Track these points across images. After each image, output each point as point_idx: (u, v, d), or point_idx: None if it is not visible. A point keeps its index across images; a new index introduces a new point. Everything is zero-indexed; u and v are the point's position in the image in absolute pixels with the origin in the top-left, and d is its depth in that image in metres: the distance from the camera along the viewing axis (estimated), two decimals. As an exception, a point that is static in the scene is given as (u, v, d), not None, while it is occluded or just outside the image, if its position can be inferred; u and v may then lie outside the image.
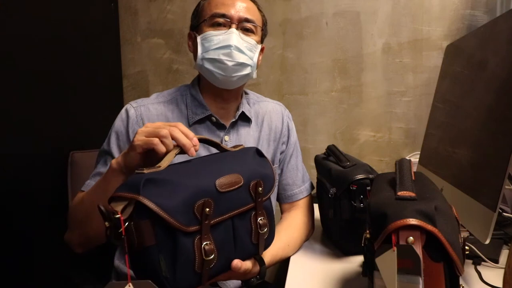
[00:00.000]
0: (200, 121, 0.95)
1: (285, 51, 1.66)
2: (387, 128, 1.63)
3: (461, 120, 0.95)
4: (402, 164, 0.67)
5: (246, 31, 0.92)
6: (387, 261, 0.52)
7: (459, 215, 0.63)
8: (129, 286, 0.53)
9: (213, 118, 0.95)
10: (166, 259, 0.55)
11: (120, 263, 0.95)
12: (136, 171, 0.58)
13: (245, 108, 1.00)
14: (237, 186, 0.66)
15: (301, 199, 1.06)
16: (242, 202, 0.67)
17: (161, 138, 0.65)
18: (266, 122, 1.04)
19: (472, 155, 0.84)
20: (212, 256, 0.60)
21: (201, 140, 0.72)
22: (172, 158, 0.64)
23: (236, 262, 0.67)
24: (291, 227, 0.99)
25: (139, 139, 0.66)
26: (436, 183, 0.71)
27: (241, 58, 0.89)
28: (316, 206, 1.10)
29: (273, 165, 1.03)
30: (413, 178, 0.65)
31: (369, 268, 0.63)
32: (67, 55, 1.33)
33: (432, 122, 1.21)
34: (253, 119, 1.02)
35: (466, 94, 0.95)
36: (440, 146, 1.07)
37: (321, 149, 1.13)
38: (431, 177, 0.89)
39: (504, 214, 1.00)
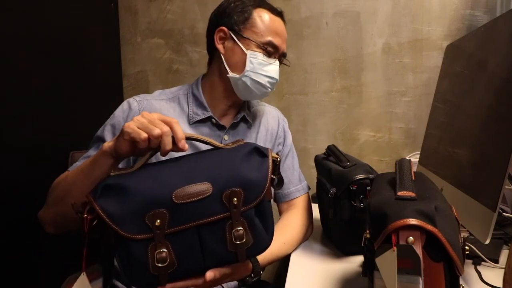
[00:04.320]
0: (201, 121, 0.96)
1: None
2: (387, 128, 1.63)
3: (461, 120, 0.95)
4: (402, 164, 0.67)
5: (280, 62, 0.99)
6: (387, 261, 0.52)
7: (459, 215, 0.63)
8: (83, 274, 0.61)
9: (213, 120, 0.96)
10: (120, 260, 0.62)
11: (120, 263, 0.95)
12: (111, 172, 0.65)
13: (245, 111, 1.02)
14: (201, 196, 0.63)
15: (298, 197, 1.06)
16: (210, 212, 0.65)
17: (150, 136, 0.64)
18: (263, 124, 1.06)
19: (472, 155, 0.84)
20: (166, 264, 0.62)
21: (193, 139, 0.71)
22: (146, 159, 0.67)
23: (209, 274, 0.66)
24: (287, 226, 0.99)
25: (131, 126, 0.65)
26: (436, 183, 0.71)
27: (275, 87, 0.98)
28: (316, 206, 1.10)
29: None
30: (413, 178, 0.65)
31: (369, 268, 0.63)
32: (67, 55, 1.33)
33: (432, 122, 1.21)
34: (251, 121, 1.04)
35: (466, 94, 0.95)
36: (440, 146, 1.07)
37: (321, 149, 1.13)
38: (431, 177, 0.89)
39: (504, 214, 1.00)
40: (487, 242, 0.69)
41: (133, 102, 0.93)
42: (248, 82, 0.92)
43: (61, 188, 0.79)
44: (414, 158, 1.49)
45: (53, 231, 0.82)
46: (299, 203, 1.06)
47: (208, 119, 0.96)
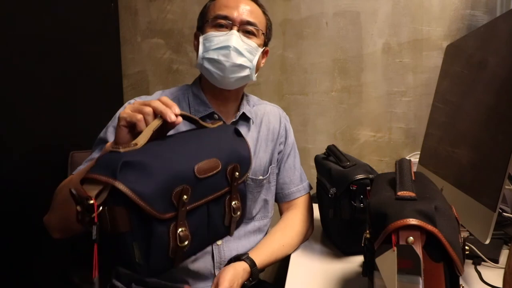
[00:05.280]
0: (201, 119, 0.95)
1: (285, 51, 1.66)
2: (387, 128, 1.63)
3: (461, 120, 0.95)
4: (402, 164, 0.67)
5: (248, 33, 0.92)
6: (387, 261, 0.52)
7: (459, 215, 0.63)
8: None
9: (215, 116, 0.96)
10: (140, 246, 0.54)
11: (120, 263, 0.95)
12: (111, 148, 0.55)
13: (245, 109, 1.01)
14: (215, 171, 0.64)
15: (299, 197, 1.06)
16: (218, 187, 0.66)
17: (144, 115, 0.64)
18: (264, 123, 1.05)
19: (472, 155, 0.84)
20: (186, 242, 0.59)
21: (182, 115, 0.68)
22: (149, 134, 0.61)
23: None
24: (287, 227, 0.99)
25: (125, 112, 0.66)
26: (436, 183, 0.71)
27: (239, 60, 0.89)
28: (316, 206, 1.10)
29: (271, 164, 1.03)
30: (413, 178, 0.65)
31: (369, 268, 0.63)
32: (67, 55, 1.33)
33: (432, 122, 1.21)
34: (253, 120, 1.03)
35: (466, 94, 0.95)
36: (440, 146, 1.07)
37: (321, 149, 1.13)
38: (431, 177, 0.89)
39: (504, 214, 1.00)
40: (487, 242, 0.69)
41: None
42: (206, 64, 0.91)
43: (65, 191, 0.78)
44: (414, 158, 1.49)
45: (59, 236, 0.81)
46: (300, 203, 1.06)
47: (210, 115, 0.96)
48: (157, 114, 0.64)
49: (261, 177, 0.99)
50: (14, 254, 1.12)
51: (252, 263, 0.87)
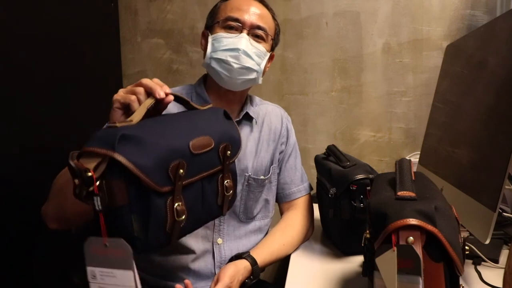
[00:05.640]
0: None
1: (285, 51, 1.65)
2: (387, 128, 1.63)
3: (461, 120, 0.95)
4: (402, 164, 0.67)
5: (257, 37, 0.93)
6: (387, 261, 0.52)
7: (459, 215, 0.63)
8: (106, 245, 0.52)
9: None
10: (138, 219, 0.54)
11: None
12: (108, 124, 0.56)
13: (249, 109, 1.01)
14: (208, 148, 0.66)
15: (299, 197, 1.06)
16: (211, 164, 0.67)
17: (137, 95, 0.66)
18: (266, 123, 1.05)
19: (472, 155, 0.84)
20: (183, 217, 0.59)
21: (173, 94, 0.70)
22: (143, 112, 0.62)
23: None
24: (288, 227, 0.99)
25: (119, 94, 0.68)
26: (436, 183, 0.71)
27: (247, 63, 0.90)
28: (316, 206, 1.10)
29: (272, 164, 1.03)
30: (413, 178, 0.65)
31: (369, 268, 0.63)
32: (67, 55, 1.33)
33: (432, 122, 1.21)
34: (255, 119, 1.03)
35: (466, 94, 0.95)
36: (440, 146, 1.07)
37: (321, 149, 1.13)
38: (431, 177, 0.89)
39: (504, 214, 1.00)
40: (487, 242, 0.69)
41: None
42: (214, 64, 0.91)
43: (61, 180, 0.79)
44: (414, 158, 1.49)
45: (55, 227, 0.81)
46: (301, 203, 1.06)
47: None
48: (148, 93, 0.65)
49: (262, 177, 0.99)
50: (14, 254, 1.12)
51: (253, 261, 0.87)
